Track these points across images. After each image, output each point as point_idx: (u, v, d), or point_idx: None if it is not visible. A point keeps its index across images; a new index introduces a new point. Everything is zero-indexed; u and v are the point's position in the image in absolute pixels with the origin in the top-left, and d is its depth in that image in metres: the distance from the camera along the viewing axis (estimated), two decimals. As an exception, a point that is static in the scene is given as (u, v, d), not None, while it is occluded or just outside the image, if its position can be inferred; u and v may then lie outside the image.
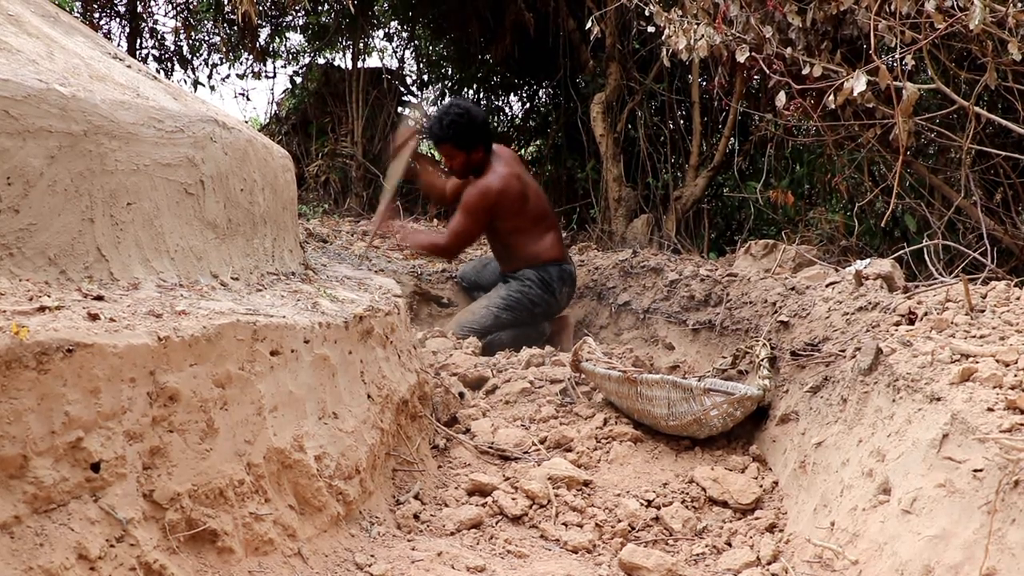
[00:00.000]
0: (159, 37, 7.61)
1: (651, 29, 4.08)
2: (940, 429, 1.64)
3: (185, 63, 7.71)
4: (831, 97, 3.15)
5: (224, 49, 7.81)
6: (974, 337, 2.02)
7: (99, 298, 1.62)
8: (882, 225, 4.16)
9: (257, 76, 7.94)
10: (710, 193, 6.08)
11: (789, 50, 3.53)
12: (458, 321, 4.29)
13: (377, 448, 2.18)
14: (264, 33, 7.73)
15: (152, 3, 7.59)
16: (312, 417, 1.93)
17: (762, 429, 2.69)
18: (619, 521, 2.25)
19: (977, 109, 3.07)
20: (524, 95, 8.46)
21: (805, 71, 3.39)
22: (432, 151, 6.22)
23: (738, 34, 3.62)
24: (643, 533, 2.23)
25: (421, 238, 4.46)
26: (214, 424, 1.63)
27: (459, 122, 4.19)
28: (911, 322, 2.31)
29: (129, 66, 2.35)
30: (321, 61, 7.97)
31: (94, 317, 1.48)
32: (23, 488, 1.31)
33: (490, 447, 2.64)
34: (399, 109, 4.88)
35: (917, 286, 2.79)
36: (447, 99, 7.91)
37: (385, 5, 7.81)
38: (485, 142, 4.28)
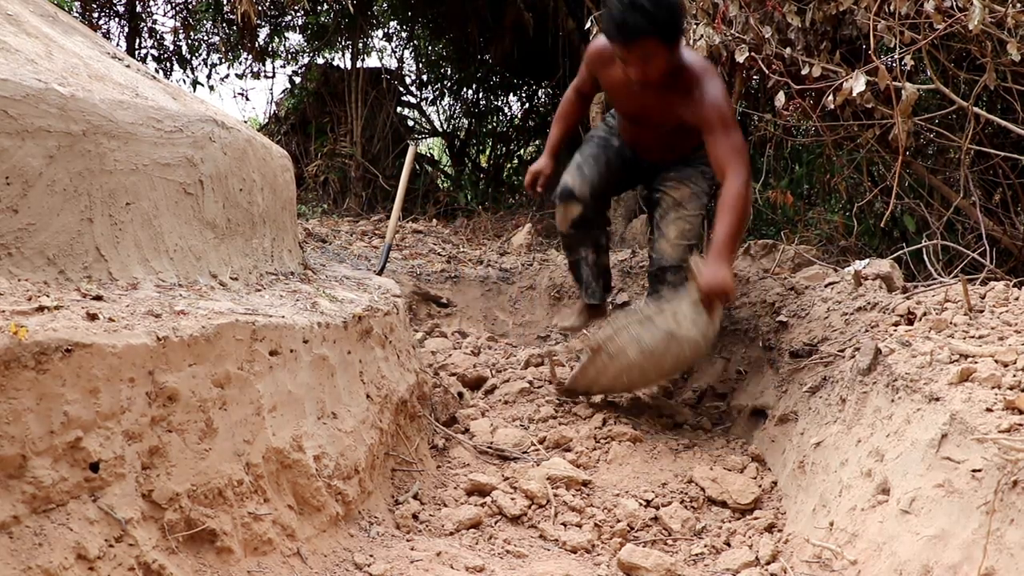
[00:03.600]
0: (158, 37, 7.60)
1: (650, 29, 4.07)
2: (939, 429, 1.64)
3: (184, 63, 7.70)
4: (830, 97, 3.15)
5: (223, 49, 7.81)
6: (973, 337, 2.02)
7: (98, 298, 1.62)
8: (881, 225, 4.16)
9: (256, 76, 7.94)
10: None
11: (788, 50, 3.53)
12: (681, 233, 3.04)
13: (376, 448, 2.18)
14: (263, 33, 7.72)
15: (151, 3, 7.58)
16: (311, 417, 1.93)
17: (761, 429, 2.69)
18: (618, 521, 2.25)
19: (976, 109, 3.07)
20: (523, 95, 8.46)
21: (804, 71, 3.39)
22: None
23: (737, 34, 3.63)
24: (642, 533, 2.23)
25: (730, 231, 2.68)
26: (213, 424, 1.63)
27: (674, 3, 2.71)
28: (910, 322, 2.31)
29: (128, 66, 2.35)
30: (320, 61, 7.96)
31: (93, 317, 1.48)
32: (22, 488, 1.31)
33: (489, 447, 2.64)
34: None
35: (916, 286, 2.79)
36: None
37: (384, 5, 7.81)
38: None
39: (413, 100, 8.43)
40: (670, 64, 2.79)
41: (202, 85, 7.88)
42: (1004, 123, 3.03)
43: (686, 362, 2.92)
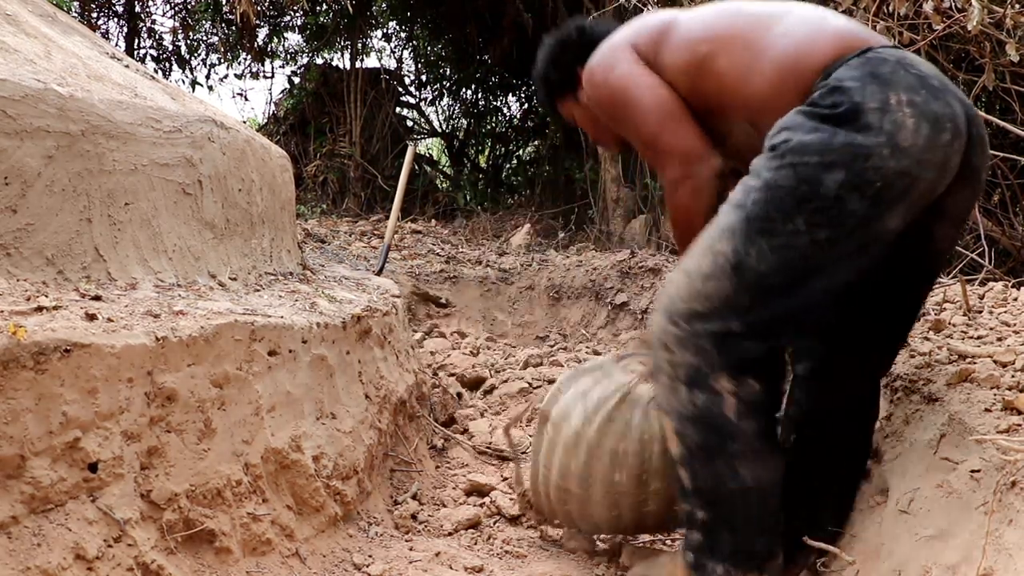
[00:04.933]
0: (157, 37, 7.61)
1: (649, 30, 4.07)
2: (937, 430, 1.64)
3: (183, 63, 7.71)
4: (829, 98, 3.15)
5: (222, 49, 7.81)
6: (971, 338, 2.02)
7: (97, 298, 1.62)
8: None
9: (255, 76, 7.94)
10: (708, 194, 6.07)
11: (787, 51, 3.53)
12: (662, 304, 1.63)
13: (375, 448, 2.18)
14: (262, 33, 7.72)
15: (150, 3, 7.58)
16: (310, 417, 1.93)
17: (760, 430, 2.68)
18: (617, 521, 2.25)
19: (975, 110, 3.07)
20: (522, 95, 8.46)
21: (803, 72, 3.39)
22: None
23: (736, 35, 3.62)
24: (641, 533, 2.23)
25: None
26: (212, 424, 1.63)
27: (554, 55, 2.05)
28: (909, 323, 2.31)
29: (127, 66, 2.35)
30: (319, 61, 7.97)
31: (92, 317, 1.48)
32: (20, 488, 1.31)
33: (488, 447, 2.63)
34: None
35: (915, 287, 2.79)
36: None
37: (383, 5, 7.81)
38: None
39: (412, 100, 8.45)
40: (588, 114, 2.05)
41: (201, 85, 7.89)
42: (1003, 124, 3.03)
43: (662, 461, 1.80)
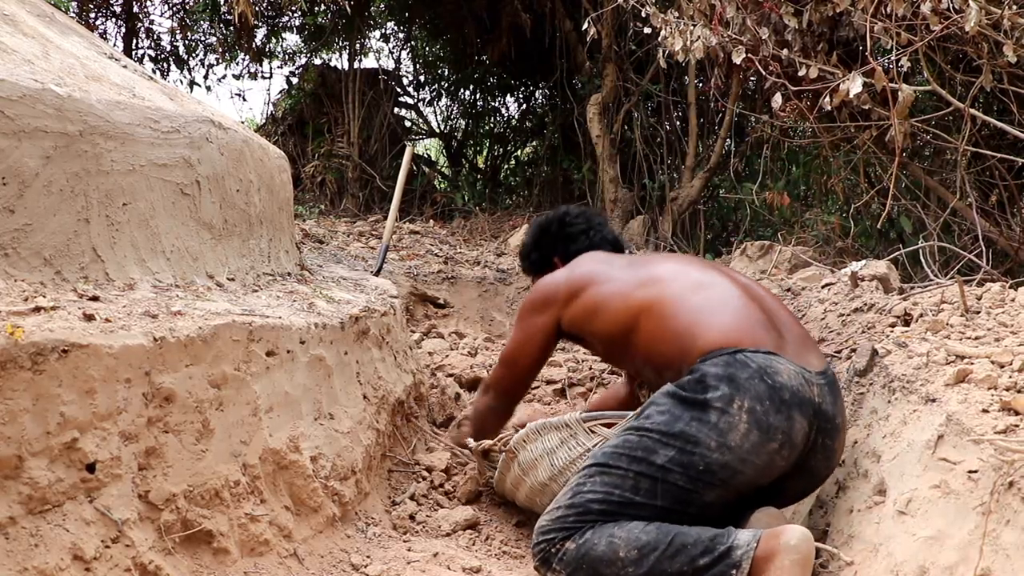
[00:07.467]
0: (155, 37, 7.59)
1: (647, 30, 4.08)
2: (935, 430, 1.64)
3: (181, 63, 7.69)
4: (827, 99, 3.15)
5: (220, 49, 7.80)
6: (969, 338, 2.02)
7: (95, 298, 1.62)
8: (878, 227, 4.17)
9: (253, 76, 7.93)
10: (706, 194, 6.09)
11: (785, 51, 3.53)
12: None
13: (373, 449, 2.18)
14: (260, 33, 7.71)
15: (148, 3, 7.57)
16: (308, 418, 1.93)
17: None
18: (615, 522, 2.25)
19: (972, 111, 3.08)
20: (521, 96, 8.45)
21: (801, 72, 3.40)
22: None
23: (734, 35, 3.63)
24: (639, 534, 2.23)
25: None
26: (210, 425, 1.63)
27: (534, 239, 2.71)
28: (906, 323, 2.31)
29: (125, 66, 2.34)
30: (317, 62, 7.96)
31: (89, 317, 1.48)
32: (18, 489, 1.31)
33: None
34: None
35: (913, 287, 2.79)
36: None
37: (381, 6, 7.80)
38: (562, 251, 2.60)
39: (410, 101, 8.43)
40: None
41: (199, 86, 7.87)
42: (1000, 124, 3.04)
43: None
